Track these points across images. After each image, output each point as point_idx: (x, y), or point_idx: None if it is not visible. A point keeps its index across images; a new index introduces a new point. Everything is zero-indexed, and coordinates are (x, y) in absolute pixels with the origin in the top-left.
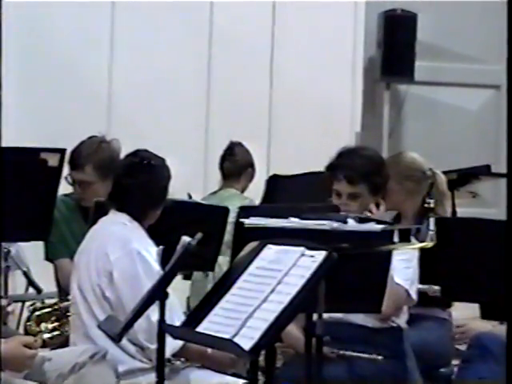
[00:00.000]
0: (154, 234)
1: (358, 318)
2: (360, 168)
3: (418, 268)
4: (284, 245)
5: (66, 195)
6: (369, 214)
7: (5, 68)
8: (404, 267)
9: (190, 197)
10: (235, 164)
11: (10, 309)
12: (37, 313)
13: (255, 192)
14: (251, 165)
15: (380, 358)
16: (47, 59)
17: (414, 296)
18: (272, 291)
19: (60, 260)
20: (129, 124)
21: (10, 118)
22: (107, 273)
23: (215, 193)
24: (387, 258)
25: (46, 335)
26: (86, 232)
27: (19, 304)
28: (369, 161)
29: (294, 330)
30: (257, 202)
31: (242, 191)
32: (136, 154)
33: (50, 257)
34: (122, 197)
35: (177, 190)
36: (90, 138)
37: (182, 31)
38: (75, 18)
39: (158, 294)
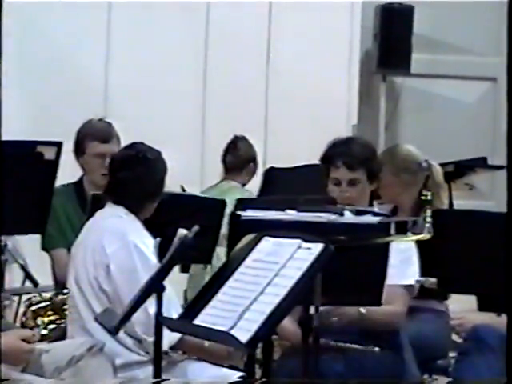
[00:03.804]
0: (151, 226)
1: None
2: (358, 154)
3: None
4: (281, 237)
5: (64, 185)
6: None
7: (3, 64)
8: (406, 266)
9: (184, 189)
10: (238, 158)
11: (7, 302)
12: (33, 307)
13: (252, 185)
14: (253, 160)
15: (376, 349)
16: (45, 55)
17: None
18: (269, 284)
19: (56, 250)
20: (125, 117)
21: (7, 113)
22: (104, 265)
23: (216, 185)
24: (385, 250)
25: (43, 331)
26: (84, 223)
27: (16, 297)
28: (364, 147)
29: (288, 324)
30: (254, 194)
31: (243, 185)
32: (132, 146)
33: (46, 246)
34: (119, 190)
35: (173, 183)
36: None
37: (179, 26)
38: (73, 15)
39: (155, 286)
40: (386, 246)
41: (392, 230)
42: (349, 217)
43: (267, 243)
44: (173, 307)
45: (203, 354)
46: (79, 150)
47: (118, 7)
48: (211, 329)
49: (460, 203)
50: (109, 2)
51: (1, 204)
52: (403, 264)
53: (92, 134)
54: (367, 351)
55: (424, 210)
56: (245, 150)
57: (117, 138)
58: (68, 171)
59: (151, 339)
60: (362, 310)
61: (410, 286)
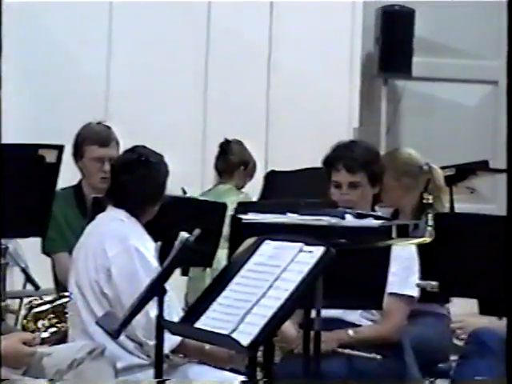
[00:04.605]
0: (153, 229)
1: (354, 318)
2: (359, 157)
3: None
4: (282, 240)
5: (63, 189)
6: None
7: (4, 65)
8: (408, 275)
9: (185, 192)
10: (227, 162)
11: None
12: (34, 310)
13: (253, 188)
14: (245, 163)
15: (379, 357)
16: (45, 56)
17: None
18: (270, 287)
19: (58, 254)
20: (126, 121)
21: (8, 116)
22: (105, 269)
23: (211, 189)
24: (386, 253)
25: (44, 334)
26: (84, 226)
27: (17, 300)
28: (366, 150)
29: (287, 328)
30: (255, 197)
31: (238, 189)
32: (134, 150)
33: (46, 250)
34: (120, 193)
35: (174, 187)
36: (89, 123)
37: (180, 28)
38: (74, 16)
39: (157, 289)
40: (388, 249)
41: (393, 234)
42: (350, 220)
43: (268, 246)
44: (174, 310)
45: (204, 357)
46: (78, 154)
47: (119, 8)
48: (212, 332)
49: (461, 206)
50: (110, 2)
51: (2, 207)
52: (404, 272)
53: (91, 138)
54: (369, 358)
55: (425, 213)
56: (235, 153)
57: (116, 141)
58: (68, 174)
59: (152, 343)
60: (351, 331)
61: (411, 296)
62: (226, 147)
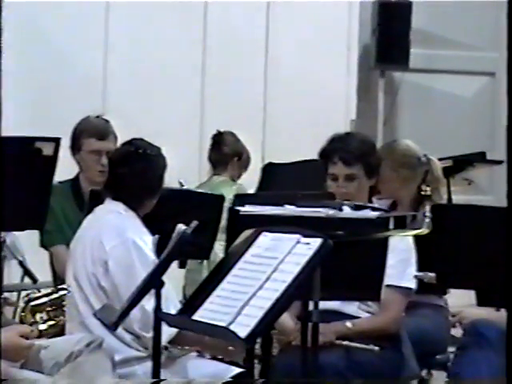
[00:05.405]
0: (150, 222)
1: (352, 310)
2: (354, 149)
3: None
4: (279, 232)
5: (61, 182)
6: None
7: (2, 61)
8: (405, 267)
9: (182, 185)
10: (220, 154)
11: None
12: (32, 303)
13: (250, 180)
14: (238, 154)
15: (376, 348)
16: (44, 52)
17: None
18: (268, 279)
19: (55, 247)
20: (124, 114)
21: (5, 110)
22: (102, 262)
23: (205, 182)
24: (383, 245)
25: (42, 326)
26: (82, 219)
27: (15, 293)
28: (362, 143)
29: (285, 320)
30: (252, 190)
31: (233, 180)
32: (131, 142)
33: (45, 244)
34: (118, 186)
35: (171, 179)
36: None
37: (177, 21)
38: (71, 14)
39: (154, 282)
40: (385, 241)
41: (391, 225)
42: (347, 212)
43: (266, 238)
44: (171, 303)
45: (202, 346)
46: (75, 147)
47: (116, 6)
48: (210, 324)
49: (459, 198)
50: (107, 2)
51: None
52: (402, 264)
53: (88, 131)
54: (367, 349)
55: (423, 204)
56: (228, 144)
57: (113, 135)
58: (65, 167)
59: (149, 335)
60: (349, 323)
61: (408, 288)
62: (218, 139)
